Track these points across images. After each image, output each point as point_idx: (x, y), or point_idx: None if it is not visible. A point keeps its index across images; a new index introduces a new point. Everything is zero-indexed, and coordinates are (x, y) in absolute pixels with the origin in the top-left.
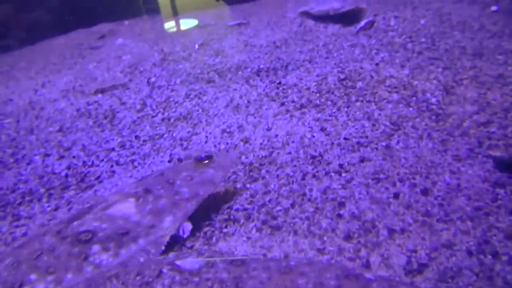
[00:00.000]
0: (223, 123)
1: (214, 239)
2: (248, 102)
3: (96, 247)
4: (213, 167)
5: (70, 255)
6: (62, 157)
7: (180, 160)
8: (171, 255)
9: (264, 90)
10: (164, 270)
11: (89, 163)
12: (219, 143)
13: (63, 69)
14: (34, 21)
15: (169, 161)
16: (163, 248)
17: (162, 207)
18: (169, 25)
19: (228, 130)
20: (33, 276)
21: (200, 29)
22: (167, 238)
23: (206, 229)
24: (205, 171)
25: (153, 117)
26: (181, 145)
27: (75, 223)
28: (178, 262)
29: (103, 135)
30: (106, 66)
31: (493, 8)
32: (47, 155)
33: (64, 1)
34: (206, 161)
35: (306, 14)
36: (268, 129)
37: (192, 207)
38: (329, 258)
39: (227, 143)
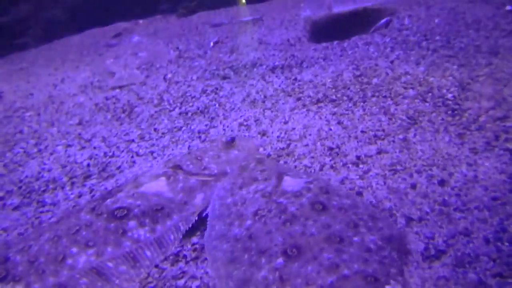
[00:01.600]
0: (240, 116)
1: None
2: (265, 97)
3: (132, 223)
4: (238, 149)
5: (107, 230)
6: (83, 147)
7: None
8: None
9: (280, 85)
10: None
11: (110, 154)
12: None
13: (81, 65)
14: (51, 20)
15: (188, 154)
16: (191, 225)
17: (193, 184)
18: (185, 23)
19: (245, 123)
20: (74, 249)
21: (216, 27)
22: (196, 216)
23: None
24: (230, 151)
25: (170, 111)
26: (199, 137)
27: (108, 201)
28: None
29: (122, 128)
30: (123, 63)
31: (508, 7)
32: (69, 145)
33: (79, 0)
34: (232, 143)
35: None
36: (285, 123)
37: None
38: None
39: (245, 136)
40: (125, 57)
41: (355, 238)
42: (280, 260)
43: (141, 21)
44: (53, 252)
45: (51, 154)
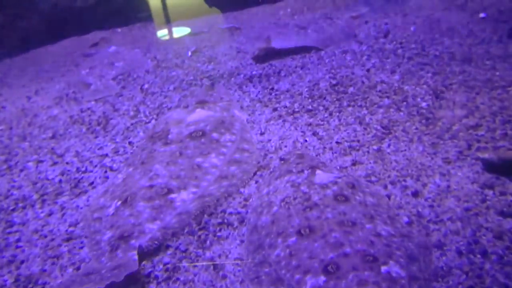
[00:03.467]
0: None
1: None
2: (241, 108)
3: (215, 134)
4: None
5: (202, 145)
6: (55, 163)
7: None
8: None
9: (257, 95)
10: None
11: (83, 169)
12: None
13: (56, 76)
14: (27, 29)
15: None
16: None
17: (223, 106)
18: (162, 33)
19: None
20: (199, 159)
21: (193, 36)
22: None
23: None
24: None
25: (146, 123)
26: None
27: (173, 133)
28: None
29: (97, 141)
30: (98, 73)
31: (481, 15)
32: (40, 161)
33: (56, 9)
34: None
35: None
36: (262, 134)
37: None
38: None
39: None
40: (100, 67)
41: (368, 225)
42: (293, 238)
43: (119, 30)
44: None
45: (21, 170)
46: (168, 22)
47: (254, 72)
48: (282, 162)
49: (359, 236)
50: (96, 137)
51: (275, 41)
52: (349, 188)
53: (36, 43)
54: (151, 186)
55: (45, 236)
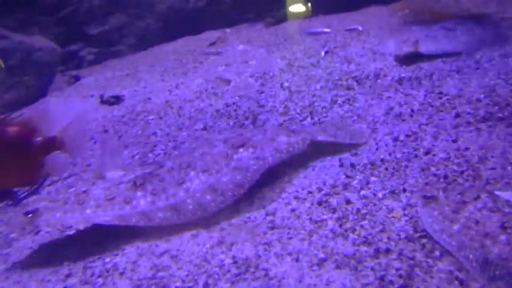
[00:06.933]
0: (391, 131)
1: None
2: (412, 111)
3: None
4: None
5: None
6: None
7: (352, 165)
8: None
9: (424, 99)
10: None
11: None
12: (393, 152)
13: (189, 72)
14: (144, 29)
15: (340, 166)
16: None
17: None
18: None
19: (400, 139)
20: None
21: (314, 36)
22: None
23: None
24: None
25: (301, 120)
26: (349, 150)
27: None
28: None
29: None
30: (235, 71)
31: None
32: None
33: (171, 11)
34: None
35: None
36: (454, 141)
37: None
38: None
39: (404, 152)
40: (236, 64)
41: None
42: None
43: (228, 30)
44: None
45: None
46: (279, 22)
47: (402, 75)
48: None
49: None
50: None
51: (423, 44)
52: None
53: (151, 42)
54: None
55: None
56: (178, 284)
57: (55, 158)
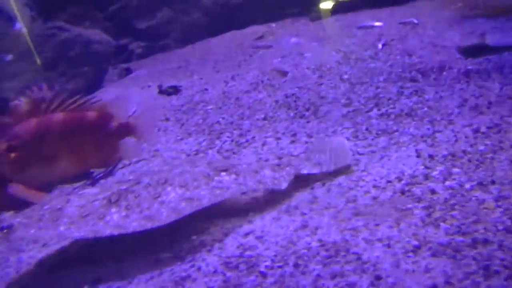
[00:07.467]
0: (470, 123)
1: None
2: (490, 103)
3: None
4: None
5: None
6: (293, 142)
7: (431, 156)
8: None
9: (500, 91)
10: None
11: None
12: (475, 143)
13: (242, 64)
14: (190, 24)
15: (417, 157)
16: None
17: None
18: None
19: (481, 130)
20: None
21: (364, 30)
22: None
23: None
24: None
25: (367, 112)
26: (425, 141)
27: None
28: None
29: (322, 125)
30: (292, 62)
31: None
32: (278, 138)
33: (216, 5)
34: None
35: None
36: None
37: None
38: None
39: (487, 144)
40: (291, 57)
41: None
42: None
43: (273, 25)
44: None
45: (263, 145)
46: (323, 16)
47: (469, 67)
48: None
49: None
50: (308, 122)
51: (491, 36)
52: None
53: (197, 37)
54: None
55: None
56: (267, 263)
57: (128, 142)
